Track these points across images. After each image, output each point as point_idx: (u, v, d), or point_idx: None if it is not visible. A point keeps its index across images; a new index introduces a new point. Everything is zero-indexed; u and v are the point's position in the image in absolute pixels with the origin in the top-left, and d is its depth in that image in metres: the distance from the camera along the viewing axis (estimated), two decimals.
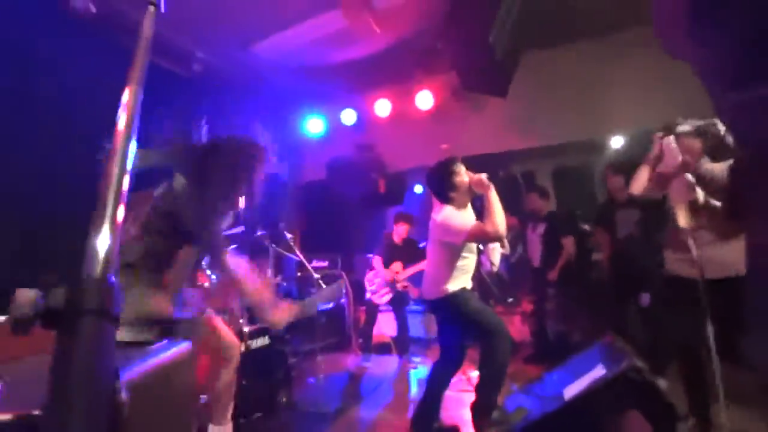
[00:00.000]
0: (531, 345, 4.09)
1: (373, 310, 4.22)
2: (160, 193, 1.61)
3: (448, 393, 2.57)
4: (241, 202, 1.74)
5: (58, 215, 2.28)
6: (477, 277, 2.86)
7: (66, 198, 2.07)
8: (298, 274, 4.38)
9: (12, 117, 2.43)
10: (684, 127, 1.52)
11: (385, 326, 4.44)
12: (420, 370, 3.78)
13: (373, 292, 4.15)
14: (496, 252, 4.04)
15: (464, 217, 2.44)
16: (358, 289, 4.34)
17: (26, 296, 0.36)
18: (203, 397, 1.95)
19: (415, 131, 4.77)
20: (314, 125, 5.15)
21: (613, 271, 3.43)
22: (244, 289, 1.66)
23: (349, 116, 4.94)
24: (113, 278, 0.41)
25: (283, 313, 1.66)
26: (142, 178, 1.23)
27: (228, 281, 1.83)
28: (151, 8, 0.70)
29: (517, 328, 4.44)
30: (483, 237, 2.39)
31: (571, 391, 1.74)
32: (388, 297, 4.11)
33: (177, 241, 1.54)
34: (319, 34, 3.66)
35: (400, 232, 4.23)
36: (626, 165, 3.27)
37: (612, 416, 1.67)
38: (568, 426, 1.67)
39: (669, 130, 1.55)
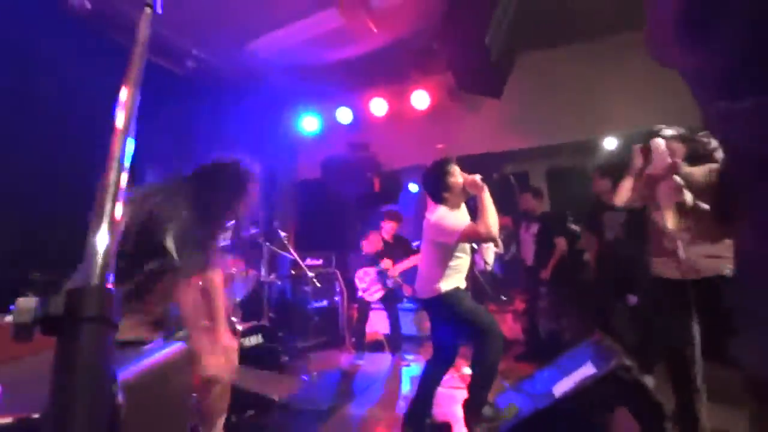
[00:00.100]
0: (523, 343, 4.14)
1: (365, 308, 4.24)
2: (139, 215, 1.50)
3: (441, 390, 2.60)
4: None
5: (57, 215, 2.27)
6: (471, 275, 2.89)
7: (66, 197, 2.06)
8: (292, 272, 4.38)
9: (11, 117, 2.42)
10: (668, 132, 1.56)
11: (378, 324, 4.46)
12: (413, 368, 3.80)
13: (364, 290, 4.15)
14: (490, 251, 4.07)
15: (458, 218, 2.46)
16: (352, 287, 4.35)
17: (26, 303, 0.36)
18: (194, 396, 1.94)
19: (411, 130, 4.78)
20: (309, 124, 5.13)
21: (599, 273, 3.48)
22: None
23: (344, 115, 4.94)
24: (112, 280, 0.41)
25: (213, 361, 1.63)
26: None
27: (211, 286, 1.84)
28: (148, 10, 0.70)
29: (510, 326, 4.48)
30: (475, 237, 2.41)
31: (560, 388, 1.77)
32: (379, 294, 4.12)
33: (156, 265, 1.47)
34: (315, 33, 3.66)
35: (388, 229, 4.24)
36: (613, 168, 3.32)
37: (601, 414, 1.71)
38: (557, 423, 1.70)
39: (651, 137, 1.59)
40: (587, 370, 1.76)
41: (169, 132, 3.15)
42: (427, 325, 2.68)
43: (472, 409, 2.38)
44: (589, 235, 3.58)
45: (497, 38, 2.97)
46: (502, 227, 3.13)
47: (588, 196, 3.57)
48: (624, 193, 2.24)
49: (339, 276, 4.61)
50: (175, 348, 0.85)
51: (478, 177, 2.44)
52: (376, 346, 4.37)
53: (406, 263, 4.04)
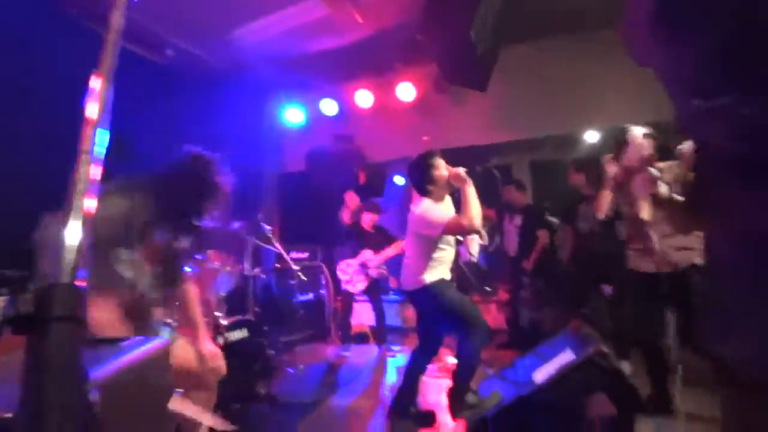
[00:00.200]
0: (505, 332, 4.23)
1: (349, 300, 4.25)
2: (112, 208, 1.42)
3: (426, 379, 2.64)
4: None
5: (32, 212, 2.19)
6: (455, 267, 2.93)
7: (36, 194, 1.99)
8: (278, 266, 4.35)
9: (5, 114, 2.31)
10: (641, 129, 1.61)
11: (363, 316, 4.48)
12: (398, 359, 3.85)
13: (347, 282, 4.16)
14: (475, 243, 4.13)
15: (442, 211, 2.49)
16: (338, 280, 4.35)
17: None
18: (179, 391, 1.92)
19: (396, 123, 4.76)
20: (294, 116, 5.06)
21: (575, 264, 3.58)
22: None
23: (329, 107, 4.88)
24: (81, 275, 0.40)
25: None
26: None
27: (201, 275, 1.79)
28: None
29: (493, 315, 4.57)
30: (459, 230, 2.45)
31: (541, 375, 1.82)
32: (362, 285, 4.13)
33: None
34: (299, 23, 3.59)
35: (367, 220, 4.24)
36: (587, 162, 3.41)
37: (579, 399, 1.77)
38: (538, 408, 1.75)
39: (622, 135, 1.65)
40: (566, 357, 1.81)
41: (147, 124, 3.06)
42: (412, 316, 2.71)
43: (456, 397, 2.43)
44: (565, 227, 3.68)
45: (482, 31, 2.97)
46: (485, 219, 3.18)
47: (571, 190, 3.65)
48: (604, 205, 2.32)
49: (324, 269, 4.60)
50: (154, 344, 0.84)
51: (462, 170, 2.46)
52: (362, 338, 4.39)
53: (388, 251, 4.06)
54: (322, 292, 4.66)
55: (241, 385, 2.62)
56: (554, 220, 3.98)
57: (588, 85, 4.09)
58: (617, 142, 1.68)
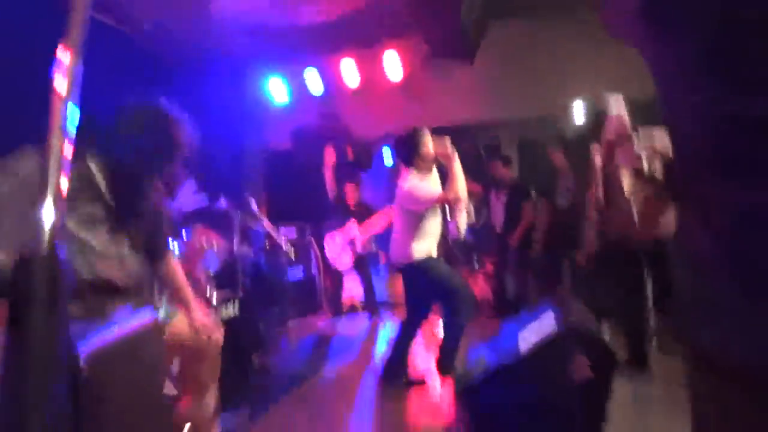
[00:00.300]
0: (492, 302, 4.36)
1: (338, 274, 4.31)
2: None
3: (415, 349, 2.73)
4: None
5: None
6: (443, 242, 2.98)
7: None
8: (267, 242, 4.34)
9: None
10: (621, 100, 1.61)
11: (353, 289, 4.55)
12: (388, 330, 3.95)
13: (333, 259, 4.20)
14: (462, 218, 4.18)
15: (429, 186, 2.53)
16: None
17: None
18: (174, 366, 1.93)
19: (383, 101, 4.69)
20: (279, 94, 4.92)
21: (551, 237, 3.70)
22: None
23: (315, 84, 4.75)
24: (61, 251, 0.40)
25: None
26: None
27: (188, 254, 1.75)
28: None
29: (480, 287, 4.69)
30: (445, 203, 2.53)
31: (525, 343, 1.89)
32: (348, 261, 4.17)
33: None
34: None
35: (350, 193, 4.25)
36: (568, 140, 3.46)
37: (561, 364, 1.85)
38: (522, 375, 1.83)
39: (599, 119, 1.65)
40: (549, 324, 1.88)
41: (124, 100, 2.95)
42: (400, 290, 2.77)
43: (444, 365, 2.53)
44: (545, 202, 3.77)
45: (471, 4, 2.90)
46: (474, 194, 3.21)
47: (552, 167, 3.72)
48: (590, 243, 2.35)
49: (314, 244, 4.63)
50: (143, 317, 0.84)
51: (447, 140, 2.49)
52: (352, 311, 4.48)
53: (372, 223, 4.09)
54: (312, 268, 4.70)
55: (235, 360, 2.66)
56: (536, 197, 4.07)
57: (580, 63, 4.06)
58: (597, 120, 1.69)
